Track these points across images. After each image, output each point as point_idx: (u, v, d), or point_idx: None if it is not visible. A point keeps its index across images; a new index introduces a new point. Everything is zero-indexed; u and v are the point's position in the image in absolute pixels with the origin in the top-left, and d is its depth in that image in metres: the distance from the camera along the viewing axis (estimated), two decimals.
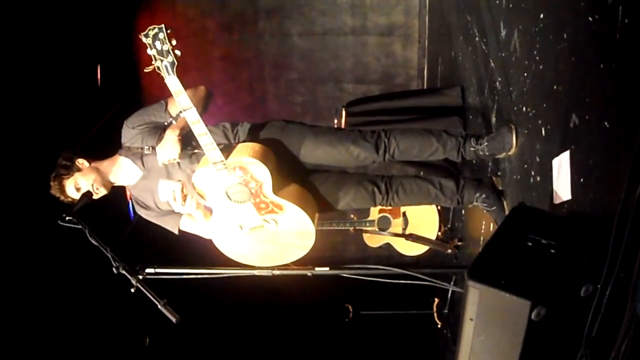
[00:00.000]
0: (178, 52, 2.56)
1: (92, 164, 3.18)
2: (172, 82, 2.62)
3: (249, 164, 2.89)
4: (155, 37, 2.50)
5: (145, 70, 2.59)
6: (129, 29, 5.93)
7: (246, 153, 2.94)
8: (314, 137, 3.23)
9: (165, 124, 3.12)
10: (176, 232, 3.36)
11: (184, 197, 3.01)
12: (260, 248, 3.25)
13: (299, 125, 3.33)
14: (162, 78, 2.61)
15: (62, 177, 3.11)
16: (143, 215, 3.36)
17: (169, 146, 2.96)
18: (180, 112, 2.74)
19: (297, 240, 3.21)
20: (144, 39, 2.51)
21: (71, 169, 3.12)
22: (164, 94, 2.97)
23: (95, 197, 3.11)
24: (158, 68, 2.58)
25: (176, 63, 2.57)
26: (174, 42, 2.53)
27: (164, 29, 2.50)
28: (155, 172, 3.17)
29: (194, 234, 3.35)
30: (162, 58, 2.54)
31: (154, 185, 3.16)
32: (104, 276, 3.09)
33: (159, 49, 2.52)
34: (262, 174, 2.92)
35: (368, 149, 3.21)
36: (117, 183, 3.25)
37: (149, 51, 2.54)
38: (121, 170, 3.22)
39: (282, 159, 3.13)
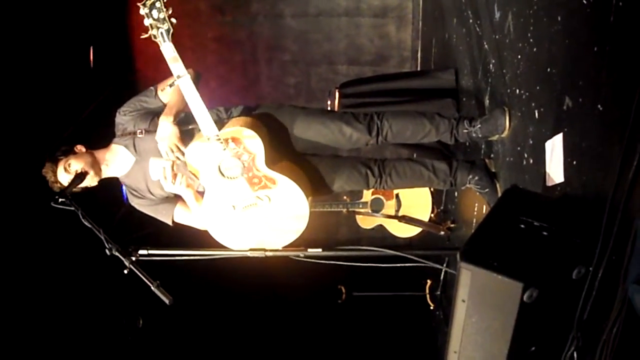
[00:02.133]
0: (174, 20, 2.61)
1: (89, 150, 3.20)
2: (168, 49, 2.66)
3: (241, 134, 2.90)
4: (152, 6, 2.56)
5: (141, 37, 2.63)
6: (122, 10, 5.88)
7: (238, 124, 2.96)
8: (305, 117, 3.24)
9: (160, 103, 3.14)
10: (170, 223, 3.37)
11: (174, 175, 3.02)
12: (255, 231, 3.23)
13: (291, 106, 3.34)
14: (157, 58, 2.64)
15: (57, 158, 3.13)
16: (136, 206, 3.35)
17: (167, 130, 2.96)
18: (175, 80, 2.74)
19: (292, 216, 3.18)
20: (141, 9, 2.56)
21: (69, 152, 3.15)
22: (158, 75, 2.97)
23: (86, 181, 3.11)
24: (154, 36, 2.63)
25: (172, 30, 2.62)
26: (170, 11, 2.59)
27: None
28: (147, 153, 3.17)
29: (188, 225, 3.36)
30: (158, 26, 2.60)
31: (147, 167, 3.17)
32: (97, 258, 3.09)
33: (156, 17, 2.58)
34: (255, 145, 2.93)
35: (361, 130, 3.21)
36: (106, 174, 3.24)
37: (146, 21, 2.59)
38: (114, 157, 3.22)
39: (275, 139, 3.13)
